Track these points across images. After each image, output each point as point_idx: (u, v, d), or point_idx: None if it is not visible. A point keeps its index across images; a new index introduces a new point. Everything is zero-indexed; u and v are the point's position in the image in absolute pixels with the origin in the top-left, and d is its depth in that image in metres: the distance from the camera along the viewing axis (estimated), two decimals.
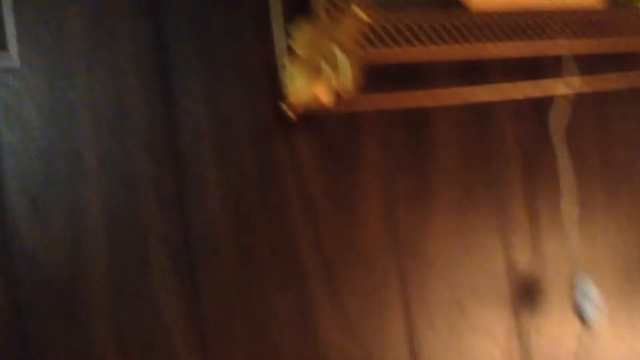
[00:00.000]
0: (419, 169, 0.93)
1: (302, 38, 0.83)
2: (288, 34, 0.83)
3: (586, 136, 1.06)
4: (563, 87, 0.99)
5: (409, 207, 0.92)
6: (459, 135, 0.97)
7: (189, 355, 0.74)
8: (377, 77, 0.84)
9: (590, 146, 1.07)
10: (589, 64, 1.01)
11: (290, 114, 0.84)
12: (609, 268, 1.07)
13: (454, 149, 0.96)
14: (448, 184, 0.95)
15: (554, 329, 1.00)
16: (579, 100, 1.00)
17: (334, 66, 0.81)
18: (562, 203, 0.99)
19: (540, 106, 1.01)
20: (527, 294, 0.98)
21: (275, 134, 0.83)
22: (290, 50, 0.83)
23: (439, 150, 0.95)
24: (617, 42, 1.02)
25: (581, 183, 1.01)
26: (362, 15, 0.81)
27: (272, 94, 0.82)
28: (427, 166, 0.94)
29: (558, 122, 1.00)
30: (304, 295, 0.83)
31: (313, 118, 0.85)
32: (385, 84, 0.89)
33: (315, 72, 0.81)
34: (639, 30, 1.03)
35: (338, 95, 0.81)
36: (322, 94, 0.82)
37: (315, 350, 0.82)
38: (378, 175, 0.90)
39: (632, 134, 1.12)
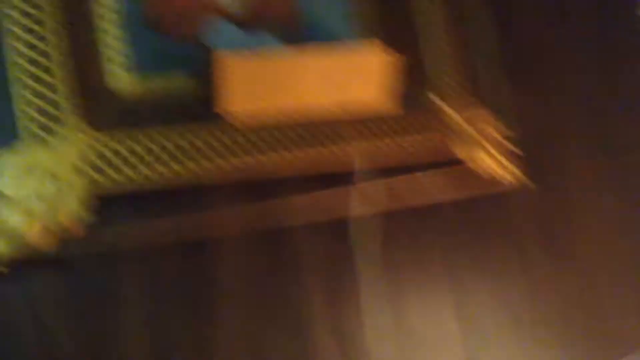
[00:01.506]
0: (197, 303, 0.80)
1: (8, 174, 0.69)
2: None
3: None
4: (359, 196, 0.88)
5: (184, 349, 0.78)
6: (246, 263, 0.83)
7: None
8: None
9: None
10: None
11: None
12: None
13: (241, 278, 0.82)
14: (236, 318, 0.82)
15: None
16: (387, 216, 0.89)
17: (51, 202, 0.68)
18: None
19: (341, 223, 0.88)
20: None
21: None
22: None
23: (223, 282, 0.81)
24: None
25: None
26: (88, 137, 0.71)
27: None
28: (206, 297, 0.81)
29: (361, 238, 0.88)
30: None
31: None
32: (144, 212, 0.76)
33: (28, 213, 0.68)
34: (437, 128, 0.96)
35: (58, 234, 0.68)
36: (38, 236, 0.68)
37: None
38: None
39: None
